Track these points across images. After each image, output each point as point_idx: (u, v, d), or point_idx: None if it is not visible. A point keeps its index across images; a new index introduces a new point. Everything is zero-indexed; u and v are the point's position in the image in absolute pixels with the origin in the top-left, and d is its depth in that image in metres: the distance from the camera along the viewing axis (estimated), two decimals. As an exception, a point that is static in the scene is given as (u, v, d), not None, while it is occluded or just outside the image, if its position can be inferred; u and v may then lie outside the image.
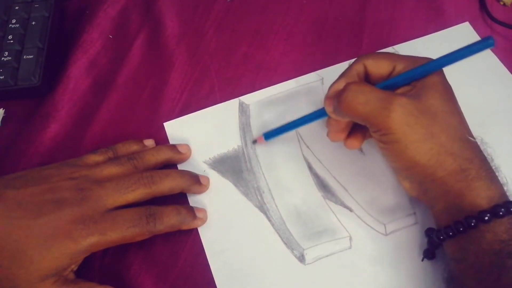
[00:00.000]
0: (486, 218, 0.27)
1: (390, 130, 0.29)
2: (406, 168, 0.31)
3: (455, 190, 0.29)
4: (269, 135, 0.38)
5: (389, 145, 0.30)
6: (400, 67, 0.32)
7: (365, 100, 0.30)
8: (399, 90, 0.32)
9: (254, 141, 0.39)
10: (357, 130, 0.35)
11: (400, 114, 0.29)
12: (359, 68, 0.33)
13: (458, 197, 0.29)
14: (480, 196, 0.28)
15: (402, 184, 0.33)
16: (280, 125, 0.38)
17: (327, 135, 0.36)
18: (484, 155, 0.30)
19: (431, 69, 0.31)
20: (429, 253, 0.33)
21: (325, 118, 0.35)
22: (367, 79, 0.34)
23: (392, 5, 0.46)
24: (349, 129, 0.35)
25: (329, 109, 0.33)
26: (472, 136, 0.30)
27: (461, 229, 0.28)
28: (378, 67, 0.33)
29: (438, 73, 0.31)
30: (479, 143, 0.31)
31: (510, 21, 0.44)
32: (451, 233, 0.29)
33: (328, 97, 0.33)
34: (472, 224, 0.28)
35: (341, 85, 0.33)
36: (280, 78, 0.43)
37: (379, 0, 0.47)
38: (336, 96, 0.32)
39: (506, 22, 0.44)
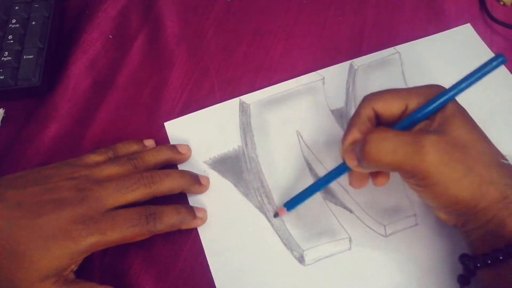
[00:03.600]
0: None
1: (427, 174, 0.27)
2: (447, 206, 0.29)
3: (497, 218, 0.27)
4: (291, 205, 0.35)
5: (428, 188, 0.28)
6: (413, 104, 0.30)
7: (392, 148, 0.28)
8: (418, 127, 0.30)
9: (276, 214, 0.36)
10: None
11: (435, 155, 0.27)
12: (368, 112, 0.31)
13: (499, 226, 0.27)
14: None
15: (438, 216, 0.31)
16: (298, 192, 0.35)
17: (350, 184, 0.33)
18: None
19: (449, 98, 0.29)
20: (464, 280, 0.31)
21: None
22: (377, 121, 0.32)
23: (392, 5, 0.46)
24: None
25: (352, 164, 0.31)
26: (504, 158, 0.29)
27: (501, 257, 0.27)
28: (389, 108, 0.31)
29: (451, 101, 0.30)
30: (511, 162, 0.29)
31: (510, 21, 0.44)
32: (489, 261, 0.27)
33: (346, 151, 0.31)
34: None
35: (355, 135, 0.31)
36: (280, 78, 0.42)
37: (379, 0, 0.47)
38: (358, 149, 0.29)
39: (506, 22, 0.44)
